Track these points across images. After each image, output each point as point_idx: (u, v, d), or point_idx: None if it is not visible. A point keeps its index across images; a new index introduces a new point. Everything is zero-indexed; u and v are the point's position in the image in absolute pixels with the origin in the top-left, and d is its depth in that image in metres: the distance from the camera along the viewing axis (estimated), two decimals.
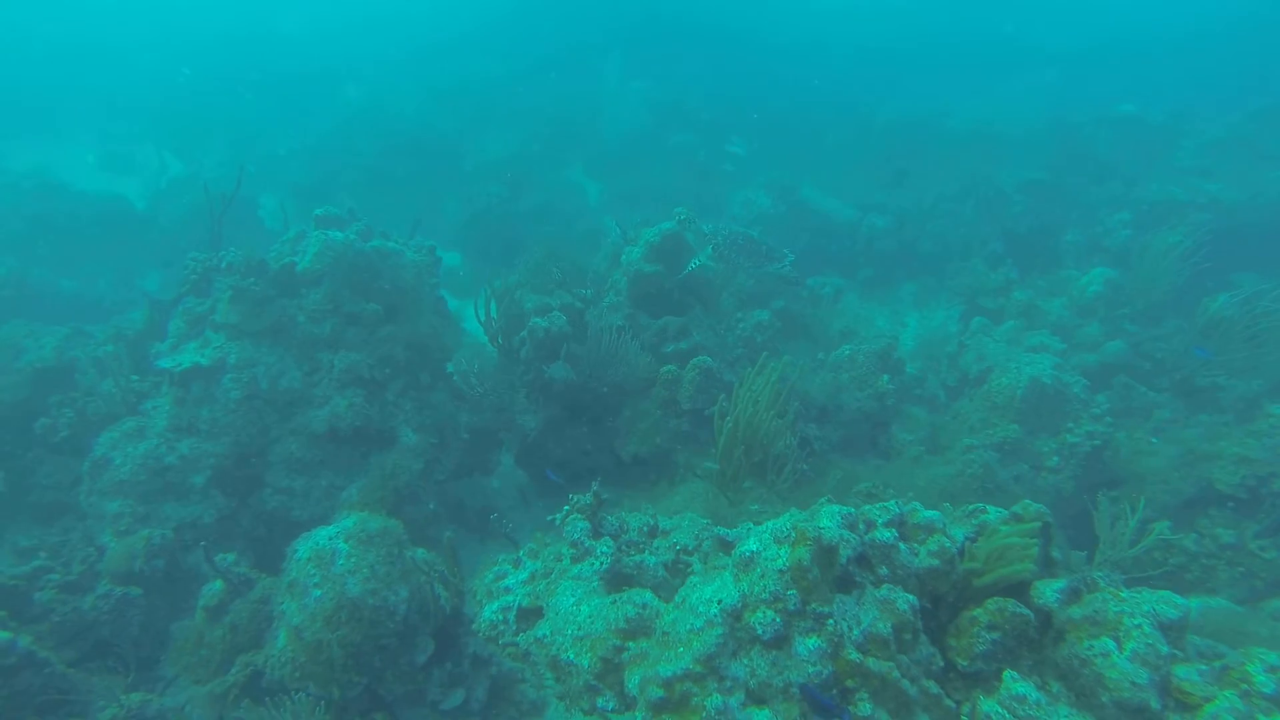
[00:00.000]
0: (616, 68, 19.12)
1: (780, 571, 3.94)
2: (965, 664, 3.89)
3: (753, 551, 4.15)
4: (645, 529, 5.59)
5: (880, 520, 4.30)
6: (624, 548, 5.30)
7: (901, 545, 4.14)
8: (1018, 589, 4.04)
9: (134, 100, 19.23)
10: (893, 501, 4.48)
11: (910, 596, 3.96)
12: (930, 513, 4.37)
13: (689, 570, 5.18)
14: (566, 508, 5.36)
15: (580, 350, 7.48)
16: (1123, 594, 3.82)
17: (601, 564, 4.92)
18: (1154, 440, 7.62)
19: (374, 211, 14.67)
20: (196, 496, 6.35)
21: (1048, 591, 3.97)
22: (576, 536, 5.08)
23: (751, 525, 5.53)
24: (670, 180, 16.21)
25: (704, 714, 3.63)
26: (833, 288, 12.23)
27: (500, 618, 5.14)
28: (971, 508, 4.92)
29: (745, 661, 3.83)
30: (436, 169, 16.09)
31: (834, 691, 3.69)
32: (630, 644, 4.36)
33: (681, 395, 7.48)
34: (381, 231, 8.56)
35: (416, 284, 7.73)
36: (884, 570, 4.10)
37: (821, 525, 3.99)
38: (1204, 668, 3.56)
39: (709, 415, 7.47)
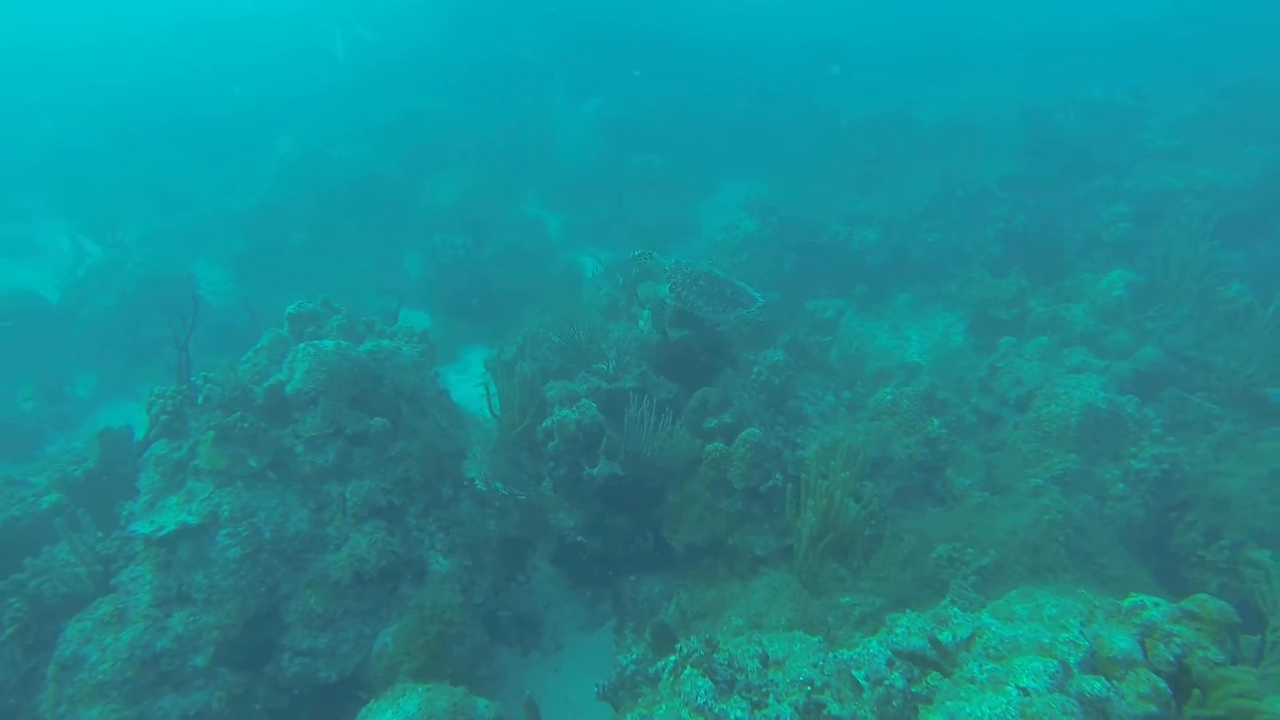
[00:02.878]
0: (561, 88, 18.25)
1: None
2: None
3: None
4: (757, 658, 4.85)
5: (1073, 660, 3.67)
6: (744, 691, 4.56)
7: (1113, 695, 3.52)
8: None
9: (28, 168, 17.36)
10: (1076, 629, 3.87)
11: None
12: (1122, 640, 3.77)
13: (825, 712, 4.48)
14: (673, 658, 4.59)
15: (616, 435, 6.70)
16: None
17: None
18: None
19: (326, 276, 13.56)
20: (199, 681, 5.31)
21: None
22: (701, 700, 4.30)
23: (861, 636, 4.92)
24: (636, 205, 15.48)
25: None
26: (834, 310, 11.74)
27: None
28: (1129, 603, 4.35)
29: None
30: (387, 218, 14.96)
31: None
32: None
33: (733, 474, 6.77)
34: (365, 321, 7.61)
35: (419, 383, 6.79)
36: None
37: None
38: None
39: (764, 493, 6.87)
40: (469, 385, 10.75)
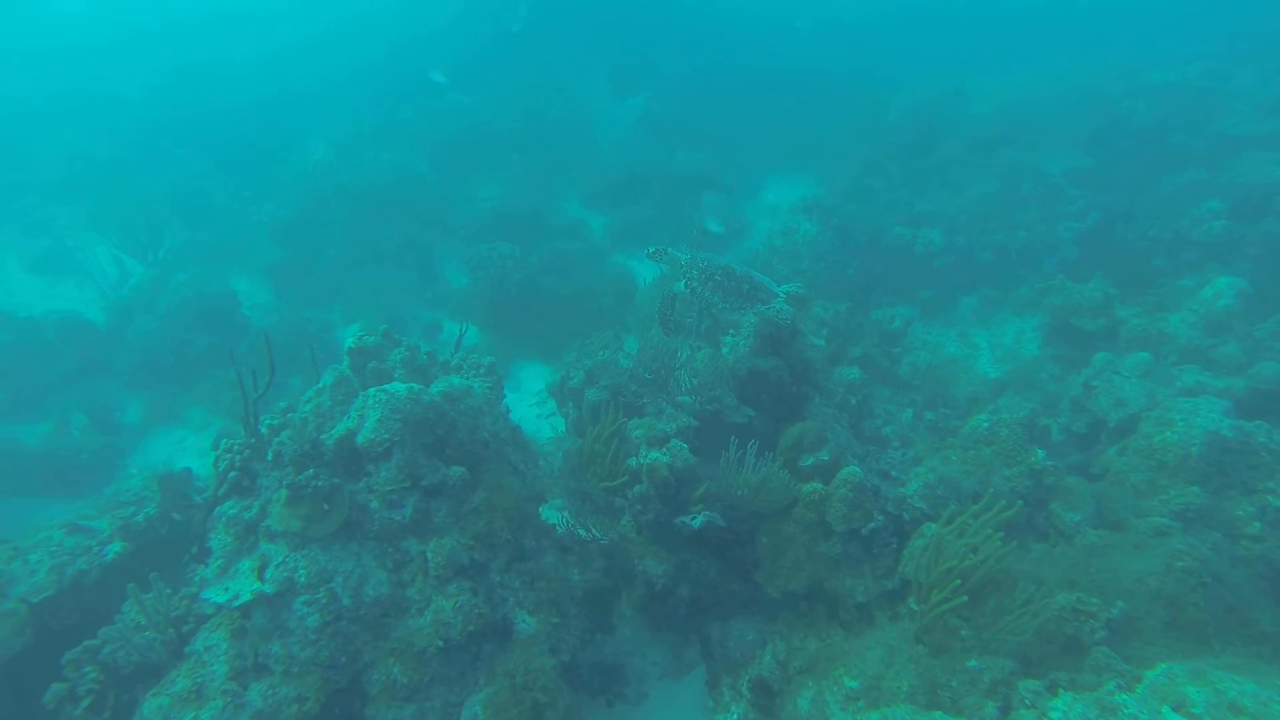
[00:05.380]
0: (602, 85, 17.63)
1: None
2: None
3: None
4: None
5: None
6: None
7: None
8: None
9: (53, 179, 17.06)
10: None
11: None
12: None
13: None
14: None
15: (709, 474, 6.24)
16: None
17: None
18: None
19: (365, 288, 13.17)
20: None
21: None
22: None
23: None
24: (679, 203, 14.90)
25: None
26: (901, 319, 11.16)
27: None
28: None
29: None
30: (424, 224, 14.51)
31: None
32: None
33: (832, 516, 6.30)
34: (428, 352, 7.17)
35: (494, 423, 6.35)
36: None
37: None
38: None
39: (865, 535, 6.40)
40: (524, 405, 10.34)
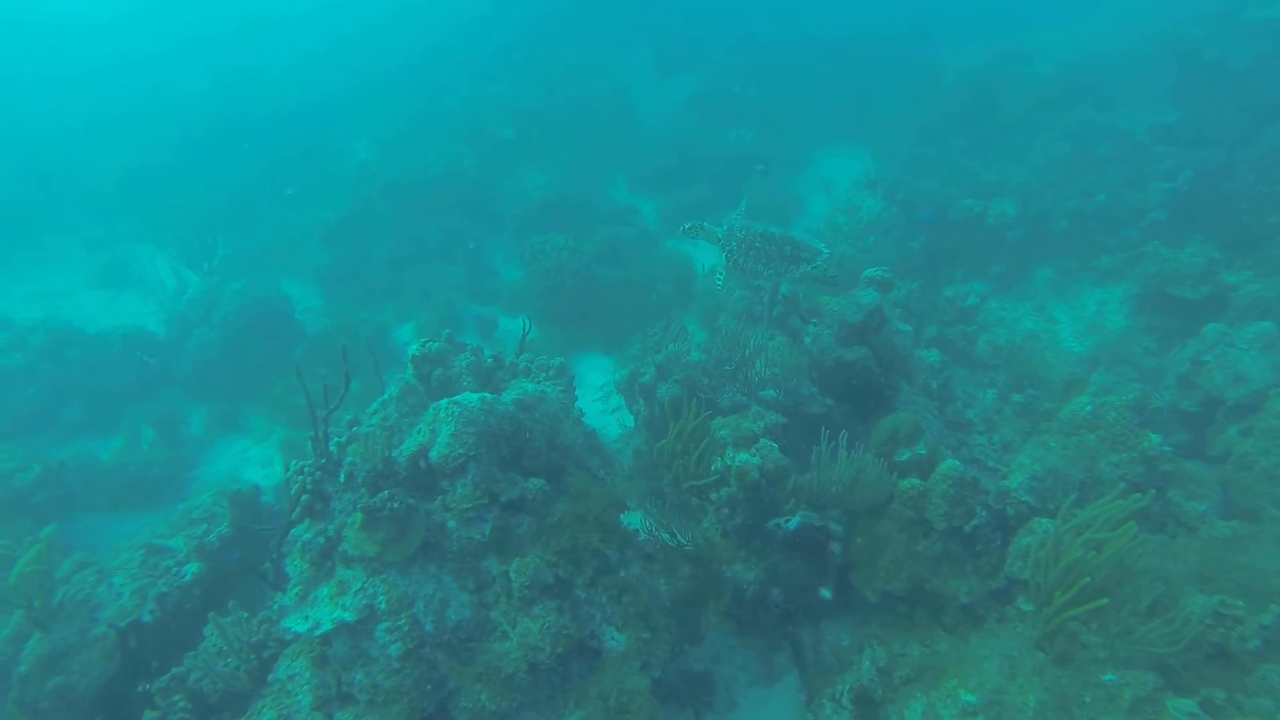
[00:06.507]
0: (646, 66, 17.10)
1: None
2: None
3: None
4: None
5: None
6: None
7: None
8: None
9: (106, 191, 17.28)
10: None
11: None
12: None
13: None
14: None
15: (804, 481, 5.83)
16: None
17: None
18: None
19: (416, 286, 13.00)
20: None
21: None
22: None
23: None
24: (733, 183, 14.36)
25: None
26: (976, 296, 10.55)
27: None
28: None
29: None
30: (471, 217, 14.26)
31: None
32: None
33: (933, 513, 5.86)
34: (493, 355, 6.87)
35: (570, 431, 6.03)
36: None
37: None
38: None
39: (968, 532, 5.95)
40: (586, 401, 9.99)
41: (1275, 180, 9.43)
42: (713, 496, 6.06)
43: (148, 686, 5.00)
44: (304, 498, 5.05)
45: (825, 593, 5.91)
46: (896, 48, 17.33)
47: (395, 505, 4.85)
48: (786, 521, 5.59)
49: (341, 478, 4.99)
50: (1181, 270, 9.03)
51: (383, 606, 4.84)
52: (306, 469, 5.11)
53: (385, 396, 6.20)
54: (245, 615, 5.40)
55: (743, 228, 6.52)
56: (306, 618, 4.81)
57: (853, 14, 18.29)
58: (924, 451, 6.07)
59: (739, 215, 6.92)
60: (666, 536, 6.08)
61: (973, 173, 12.39)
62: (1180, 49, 12.71)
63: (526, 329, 7.44)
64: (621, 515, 6.24)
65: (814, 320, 6.83)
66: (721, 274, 6.92)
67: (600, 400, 10.00)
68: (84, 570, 5.86)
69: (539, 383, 6.30)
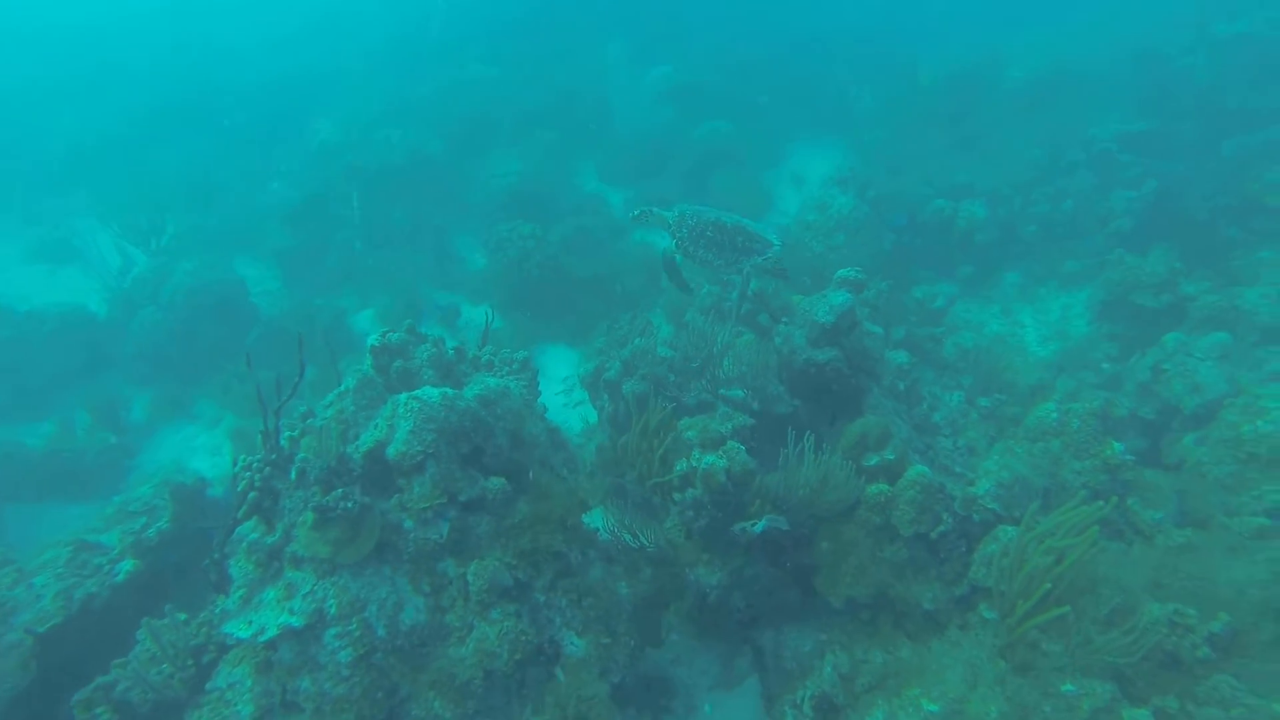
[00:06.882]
0: (621, 56, 16.81)
1: None
2: None
3: None
4: None
5: None
6: None
7: None
8: None
9: (52, 163, 16.42)
10: None
11: None
12: None
13: None
14: None
15: (771, 479, 5.73)
16: None
17: None
18: None
19: (378, 272, 12.61)
20: None
21: None
22: None
23: None
24: (704, 176, 14.21)
25: None
26: (945, 298, 10.58)
27: None
28: None
29: None
30: (438, 202, 13.88)
31: None
32: None
33: (899, 519, 5.82)
34: (455, 347, 6.63)
35: (533, 427, 5.84)
36: None
37: None
38: None
39: (933, 539, 5.93)
40: (550, 394, 9.80)
41: (1233, 193, 9.59)
42: (676, 497, 5.93)
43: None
44: (251, 495, 4.79)
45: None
46: (872, 45, 17.32)
47: (349, 505, 4.63)
48: (752, 525, 5.48)
49: (293, 474, 4.74)
50: (1144, 279, 9.14)
51: (333, 611, 4.62)
52: (255, 464, 4.85)
53: (342, 388, 5.92)
54: (183, 618, 5.12)
55: (694, 214, 6.28)
56: (250, 623, 4.56)
57: (829, 11, 18.24)
58: (892, 457, 6.02)
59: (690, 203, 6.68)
60: (629, 538, 5.94)
61: (944, 173, 12.43)
62: (1149, 59, 12.89)
63: (490, 320, 7.21)
64: (584, 515, 6.10)
65: (785, 319, 6.73)
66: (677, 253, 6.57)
67: (564, 393, 9.81)
68: (1, 569, 5.48)
69: (502, 377, 6.08)
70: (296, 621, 4.52)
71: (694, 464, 5.71)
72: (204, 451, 9.30)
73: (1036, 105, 13.60)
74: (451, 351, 6.53)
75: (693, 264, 6.68)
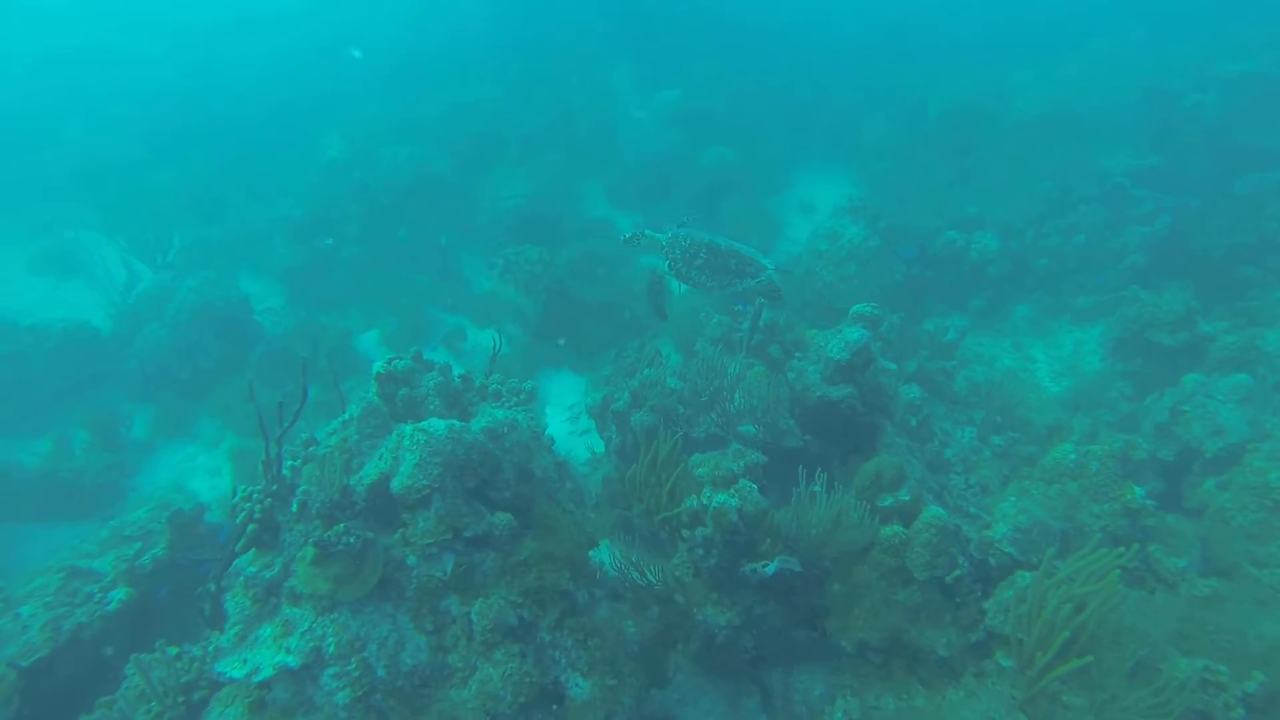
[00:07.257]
0: (629, 79, 16.87)
1: None
2: None
3: None
4: None
5: None
6: None
7: None
8: None
9: (57, 177, 16.41)
10: None
11: None
12: None
13: None
14: None
15: (783, 518, 5.58)
16: None
17: None
18: None
19: (383, 292, 12.53)
20: None
21: None
22: None
23: None
24: (713, 201, 14.18)
25: None
26: (956, 331, 10.45)
27: None
28: None
29: None
30: (444, 223, 13.83)
31: None
32: None
33: (914, 562, 5.65)
34: (462, 375, 6.51)
35: (541, 460, 5.70)
36: None
37: None
38: None
39: (949, 583, 5.76)
40: (556, 421, 9.68)
41: (1247, 231, 9.51)
42: (685, 534, 5.77)
43: None
44: (251, 527, 4.63)
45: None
46: (879, 75, 17.37)
47: (351, 540, 4.48)
48: (764, 566, 5.32)
49: (294, 507, 4.59)
50: (1161, 316, 9.02)
51: (331, 650, 4.45)
52: (255, 495, 4.70)
53: (346, 416, 5.80)
54: (174, 652, 4.95)
55: (687, 236, 6.12)
56: (245, 661, 4.40)
57: (837, 38, 18.32)
58: (907, 497, 5.88)
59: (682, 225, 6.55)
60: (635, 575, 5.77)
61: (955, 205, 12.37)
62: (1158, 96, 12.88)
63: (497, 345, 7.09)
64: (590, 551, 5.94)
65: (798, 354, 6.61)
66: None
67: (570, 421, 9.66)
68: None
69: (510, 408, 5.95)
70: (293, 661, 4.36)
71: (705, 501, 5.56)
72: (203, 472, 9.16)
73: (1043, 139, 13.56)
74: (458, 380, 6.42)
75: (687, 286, 6.54)
